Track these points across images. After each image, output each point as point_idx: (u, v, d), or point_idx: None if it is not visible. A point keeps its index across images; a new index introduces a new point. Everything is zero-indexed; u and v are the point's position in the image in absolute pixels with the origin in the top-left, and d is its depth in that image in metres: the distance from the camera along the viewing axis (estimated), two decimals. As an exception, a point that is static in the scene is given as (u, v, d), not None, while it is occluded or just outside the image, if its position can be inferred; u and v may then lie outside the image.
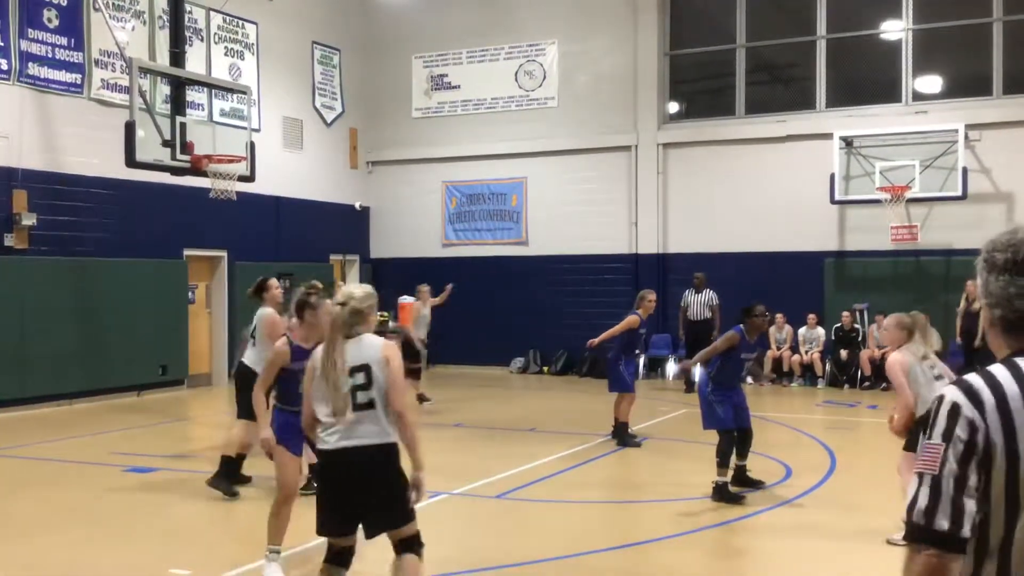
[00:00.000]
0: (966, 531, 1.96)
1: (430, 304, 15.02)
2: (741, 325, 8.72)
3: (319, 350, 4.89)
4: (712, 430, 8.71)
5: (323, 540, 6.96)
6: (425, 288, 15.07)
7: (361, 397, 4.72)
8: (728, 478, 8.53)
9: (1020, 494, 1.97)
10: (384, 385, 4.74)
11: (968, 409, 1.99)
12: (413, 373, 13.90)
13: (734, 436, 8.61)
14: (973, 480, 1.97)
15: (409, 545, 4.85)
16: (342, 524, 4.86)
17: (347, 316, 4.79)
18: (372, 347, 4.81)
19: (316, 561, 6.65)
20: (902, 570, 2.04)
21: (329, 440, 4.75)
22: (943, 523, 1.96)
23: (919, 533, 1.98)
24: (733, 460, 8.72)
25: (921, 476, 2.00)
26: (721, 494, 8.38)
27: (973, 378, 2.05)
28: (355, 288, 4.95)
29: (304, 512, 6.33)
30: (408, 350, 13.99)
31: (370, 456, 4.72)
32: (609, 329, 11.63)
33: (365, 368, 4.73)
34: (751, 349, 8.88)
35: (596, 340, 11.92)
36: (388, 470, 4.77)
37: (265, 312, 8.97)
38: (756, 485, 8.86)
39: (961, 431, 1.98)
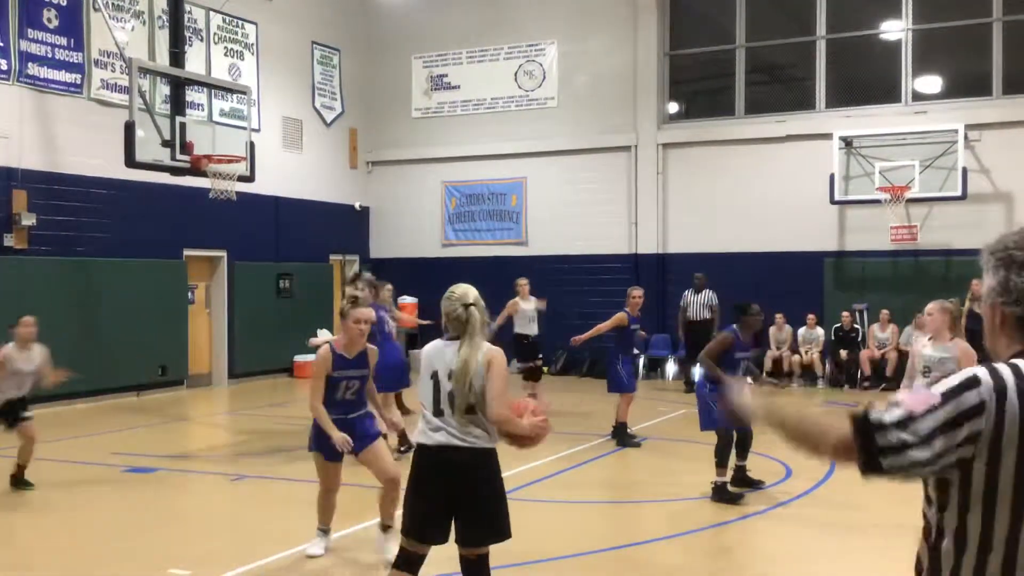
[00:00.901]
0: (889, 464, 1.94)
1: (533, 300, 14.34)
2: (735, 325, 8.77)
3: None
4: (710, 431, 8.70)
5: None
6: (523, 282, 14.59)
7: (460, 402, 4.66)
8: (727, 478, 8.54)
9: None
10: (483, 390, 4.70)
11: (985, 388, 1.96)
12: (531, 373, 13.95)
13: (731, 437, 8.59)
14: (939, 445, 1.94)
15: (479, 569, 4.76)
16: (433, 528, 4.75)
17: (483, 316, 4.78)
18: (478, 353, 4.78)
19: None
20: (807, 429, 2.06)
21: (433, 436, 4.69)
22: (888, 440, 1.94)
23: (864, 429, 1.97)
24: (733, 460, 8.75)
25: (899, 404, 1.98)
26: (720, 494, 8.40)
27: (999, 365, 2.02)
28: (467, 289, 4.84)
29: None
30: (520, 350, 14.08)
31: (469, 458, 4.66)
32: (596, 326, 11.75)
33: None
34: (746, 348, 8.89)
35: (581, 337, 11.96)
36: (489, 475, 4.72)
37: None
38: (756, 485, 8.88)
39: (966, 400, 1.95)
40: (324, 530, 6.72)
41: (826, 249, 17.79)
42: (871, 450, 1.96)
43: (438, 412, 4.70)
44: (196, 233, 16.83)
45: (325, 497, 6.65)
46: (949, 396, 1.96)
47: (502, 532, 4.73)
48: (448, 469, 4.66)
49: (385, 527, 6.58)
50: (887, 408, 1.99)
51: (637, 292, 11.78)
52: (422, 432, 4.75)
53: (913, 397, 1.99)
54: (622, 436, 11.24)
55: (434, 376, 4.72)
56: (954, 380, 1.99)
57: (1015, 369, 2.00)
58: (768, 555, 7.26)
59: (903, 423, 1.96)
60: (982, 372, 1.99)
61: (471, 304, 4.74)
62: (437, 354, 4.78)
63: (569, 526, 7.94)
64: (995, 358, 2.17)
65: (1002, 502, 1.95)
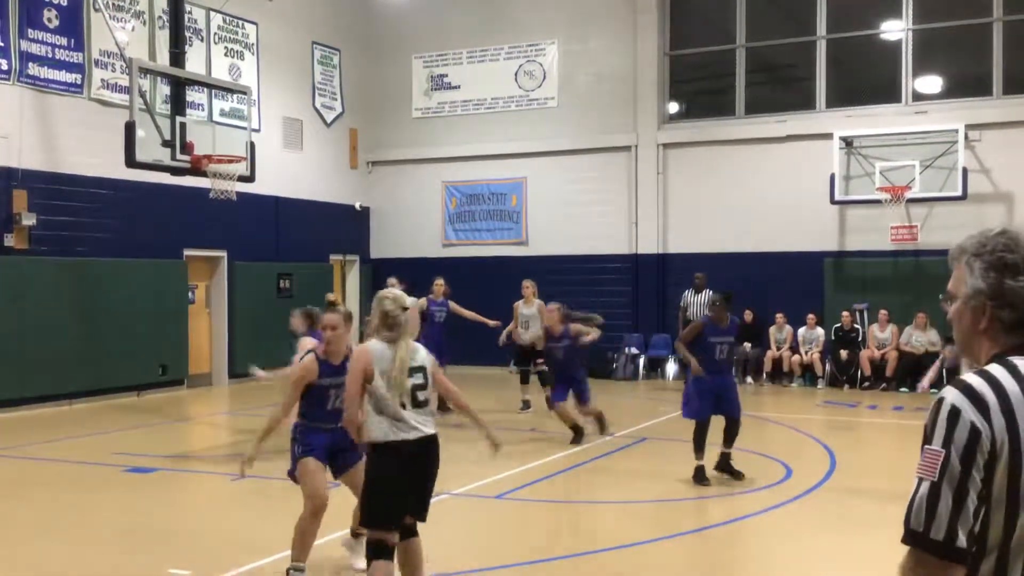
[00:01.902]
0: (962, 542, 1.93)
1: (536, 304, 14.05)
2: (708, 313, 9.55)
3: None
4: (691, 419, 9.22)
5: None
6: (527, 284, 14.36)
7: (421, 396, 5.15)
8: (703, 461, 9.05)
9: (1022, 494, 1.96)
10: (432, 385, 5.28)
11: (969, 412, 1.96)
12: (526, 377, 14.23)
13: (706, 425, 9.12)
14: (973, 487, 1.94)
15: (414, 530, 5.33)
16: (404, 512, 5.20)
17: (411, 319, 5.31)
18: (423, 350, 5.32)
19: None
20: (899, 569, 2.03)
21: (412, 432, 5.09)
22: (939, 533, 1.94)
23: (915, 539, 1.97)
24: (719, 447, 9.22)
25: (920, 481, 1.98)
26: (697, 476, 9.00)
27: (972, 379, 2.01)
28: (399, 292, 5.38)
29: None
30: (516, 354, 14.49)
31: (433, 443, 5.19)
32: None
33: (422, 369, 5.19)
34: (723, 332, 9.27)
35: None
36: (438, 458, 5.26)
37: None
38: (737, 475, 9.19)
39: (961, 435, 1.95)
40: (302, 569, 6.00)
41: (826, 249, 17.79)
42: (941, 548, 1.95)
43: (401, 408, 5.11)
44: (196, 233, 16.83)
45: (312, 520, 5.98)
46: (946, 442, 1.97)
47: None
48: (426, 456, 5.16)
49: (356, 534, 6.32)
50: (913, 493, 1.98)
51: (552, 306, 11.82)
52: (402, 430, 5.08)
53: (921, 465, 1.99)
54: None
55: (385, 375, 5.10)
56: (941, 425, 1.98)
57: (988, 378, 2.01)
58: (769, 554, 7.27)
59: (934, 496, 1.95)
60: (958, 399, 1.99)
61: (407, 308, 5.22)
62: (385, 357, 5.13)
63: (568, 526, 7.94)
64: (972, 358, 2.17)
65: (997, 507, 1.96)
